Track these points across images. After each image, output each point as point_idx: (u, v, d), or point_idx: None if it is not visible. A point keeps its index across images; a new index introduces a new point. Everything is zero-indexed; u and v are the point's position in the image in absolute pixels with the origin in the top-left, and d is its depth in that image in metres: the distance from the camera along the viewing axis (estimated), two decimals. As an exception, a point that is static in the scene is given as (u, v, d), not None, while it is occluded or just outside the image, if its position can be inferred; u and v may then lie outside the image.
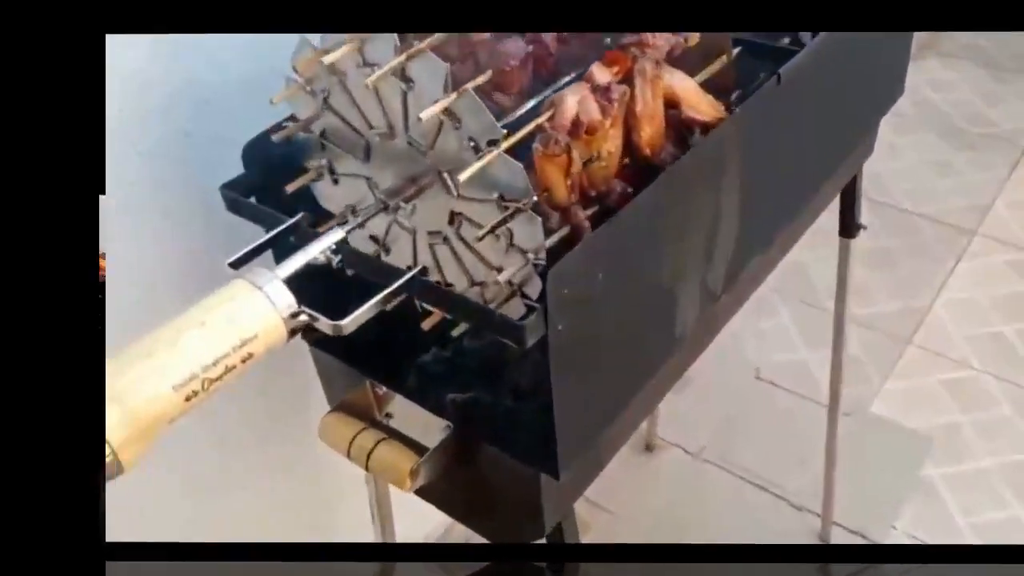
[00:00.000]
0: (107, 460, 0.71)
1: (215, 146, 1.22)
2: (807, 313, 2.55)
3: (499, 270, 0.89)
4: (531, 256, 0.87)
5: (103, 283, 1.06)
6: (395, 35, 0.89)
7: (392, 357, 1.12)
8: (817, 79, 1.16)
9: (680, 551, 1.38)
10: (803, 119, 1.19)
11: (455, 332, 1.06)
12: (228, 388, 0.78)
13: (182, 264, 1.24)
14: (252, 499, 1.51)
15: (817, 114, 1.23)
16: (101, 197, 1.08)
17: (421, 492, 1.11)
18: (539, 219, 0.85)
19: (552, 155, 0.89)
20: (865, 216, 1.65)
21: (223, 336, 0.77)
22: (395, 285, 0.86)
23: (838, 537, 2.04)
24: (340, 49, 0.92)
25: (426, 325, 0.95)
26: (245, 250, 0.91)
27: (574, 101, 0.94)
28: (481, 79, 0.92)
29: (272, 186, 1.02)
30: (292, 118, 1.00)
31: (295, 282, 0.83)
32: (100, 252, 0.94)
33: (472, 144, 0.87)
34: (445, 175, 0.91)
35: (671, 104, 1.01)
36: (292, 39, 1.23)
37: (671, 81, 1.02)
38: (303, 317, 0.81)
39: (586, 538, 1.80)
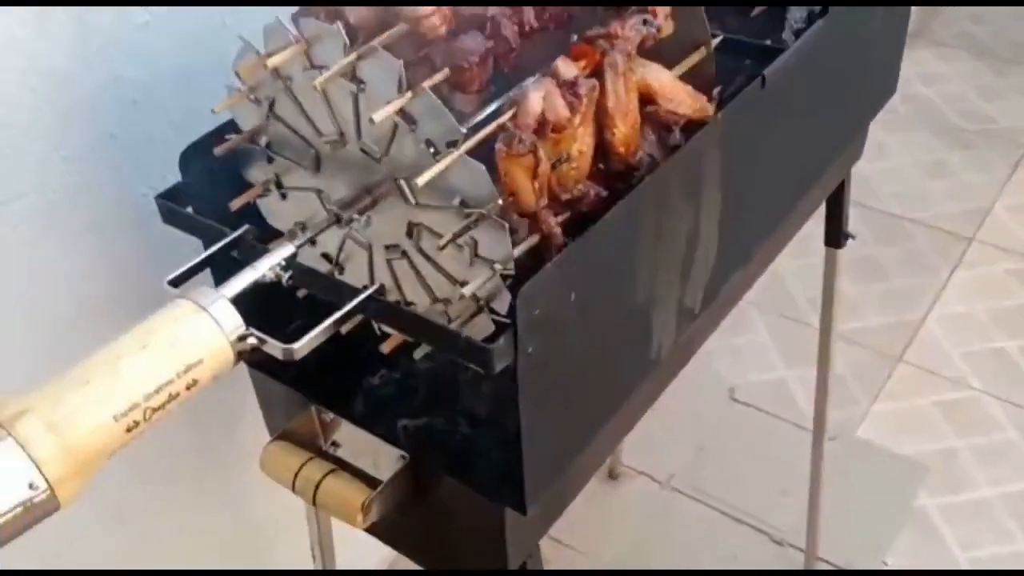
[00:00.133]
0: (43, 496, 0.74)
1: (144, 149, 1.25)
2: (786, 327, 2.62)
3: (463, 284, 0.93)
4: (498, 267, 0.90)
5: None
6: (344, 34, 0.93)
7: (339, 379, 1.16)
8: (803, 80, 1.22)
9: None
10: (788, 123, 1.24)
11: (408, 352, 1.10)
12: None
13: (110, 279, 1.27)
14: (180, 533, 1.53)
15: (803, 117, 1.29)
16: None
17: (370, 528, 1.14)
18: (506, 225, 0.89)
19: (517, 155, 0.92)
20: (852, 223, 1.71)
21: (166, 361, 0.80)
22: (349, 306, 0.90)
23: (823, 574, 2.10)
24: (285, 51, 0.96)
25: (386, 348, 0.98)
26: (186, 267, 0.94)
27: (538, 98, 0.97)
28: (438, 77, 0.96)
29: (212, 195, 1.05)
30: (233, 123, 1.04)
31: (240, 301, 0.86)
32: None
33: (430, 147, 0.91)
34: (401, 182, 0.95)
35: (646, 99, 1.05)
36: (226, 31, 1.29)
37: (645, 74, 1.06)
38: (251, 340, 0.85)
39: (548, 578, 1.84)
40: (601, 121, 1.02)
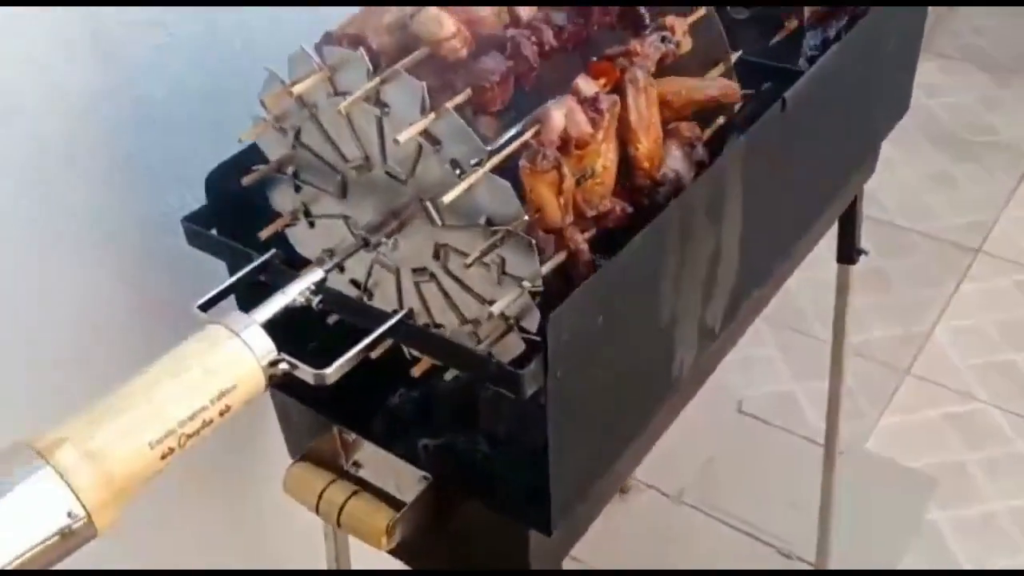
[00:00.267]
0: (81, 524, 0.74)
1: (162, 169, 1.26)
2: (794, 340, 2.62)
3: (491, 303, 0.92)
4: (526, 284, 0.91)
5: None
6: (367, 59, 0.94)
7: (362, 400, 1.17)
8: (821, 101, 1.23)
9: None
10: (806, 143, 1.25)
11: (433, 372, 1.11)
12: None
13: (128, 299, 1.27)
14: (193, 552, 1.53)
15: (820, 137, 1.30)
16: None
17: (392, 548, 1.15)
18: (533, 241, 0.89)
19: (541, 171, 0.93)
20: (857, 235, 1.71)
21: (200, 388, 0.81)
22: (379, 331, 0.91)
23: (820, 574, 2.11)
24: (309, 79, 0.97)
25: (416, 371, 0.99)
26: (214, 291, 0.95)
27: (560, 115, 0.98)
28: (460, 98, 0.97)
29: (237, 217, 1.06)
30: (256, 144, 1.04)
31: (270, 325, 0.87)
32: None
33: (455, 167, 0.92)
34: (427, 204, 0.96)
35: (668, 107, 1.07)
36: (244, 52, 1.30)
37: (665, 88, 1.08)
38: (283, 365, 0.86)
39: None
40: (624, 137, 1.03)
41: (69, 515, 0.74)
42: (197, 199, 1.29)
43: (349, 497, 1.11)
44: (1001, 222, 2.99)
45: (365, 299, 1.06)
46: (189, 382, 0.81)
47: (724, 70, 1.14)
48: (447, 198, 0.89)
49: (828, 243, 1.69)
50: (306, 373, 0.86)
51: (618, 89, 1.04)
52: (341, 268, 0.99)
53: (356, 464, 1.18)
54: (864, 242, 1.72)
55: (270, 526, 1.64)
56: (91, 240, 1.22)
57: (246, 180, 1.03)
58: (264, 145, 1.04)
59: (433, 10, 1.01)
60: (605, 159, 1.00)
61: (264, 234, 1.04)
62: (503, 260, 0.92)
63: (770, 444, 2.41)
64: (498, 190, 0.90)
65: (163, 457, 0.79)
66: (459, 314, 0.98)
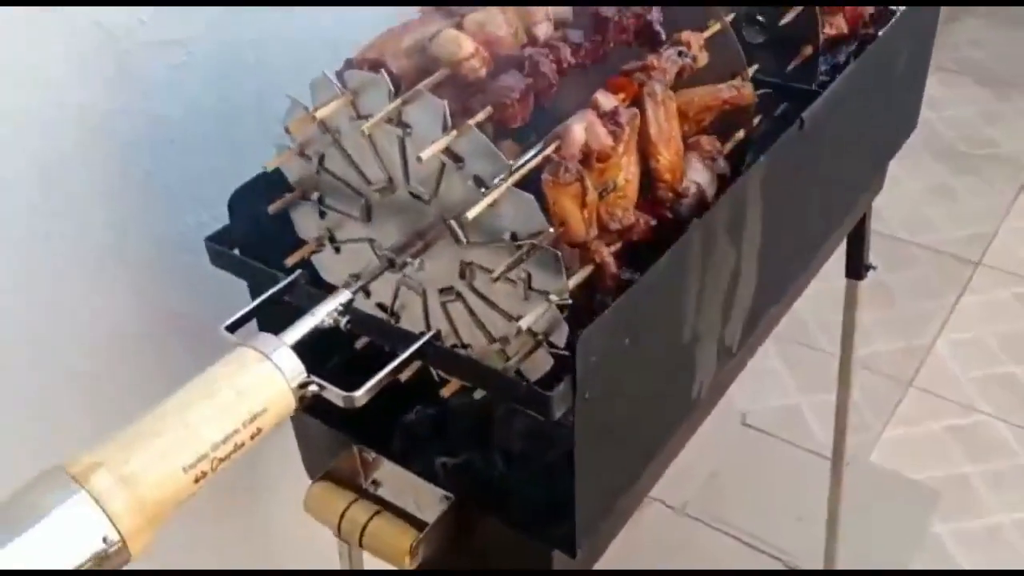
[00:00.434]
0: (116, 548, 0.74)
1: (180, 188, 1.26)
2: (798, 353, 2.63)
3: (518, 319, 0.92)
4: (554, 298, 0.91)
5: None
6: (388, 81, 0.95)
7: (382, 419, 1.16)
8: (836, 121, 1.23)
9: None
10: (822, 162, 1.26)
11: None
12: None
13: (144, 315, 1.27)
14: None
15: (835, 156, 1.30)
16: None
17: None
18: (558, 254, 0.89)
19: (564, 184, 0.93)
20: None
21: (232, 411, 0.80)
22: (407, 353, 0.91)
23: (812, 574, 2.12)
24: (332, 103, 0.97)
25: (446, 392, 0.99)
26: (240, 313, 0.94)
27: (581, 129, 0.98)
28: (481, 116, 0.97)
29: (259, 236, 1.06)
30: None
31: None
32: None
33: (478, 184, 0.92)
34: (451, 222, 0.96)
35: (684, 116, 1.08)
36: (261, 70, 1.30)
37: (679, 99, 1.08)
38: (312, 387, 0.85)
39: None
40: (645, 150, 1.03)
41: (104, 540, 0.74)
42: (214, 217, 1.29)
43: (371, 517, 1.10)
44: (1001, 234, 3.01)
45: (392, 323, 1.05)
46: (221, 405, 0.80)
47: (742, 83, 1.15)
48: (471, 213, 0.89)
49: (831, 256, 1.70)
50: (335, 395, 0.86)
51: (637, 103, 1.05)
52: (367, 293, 0.99)
53: (375, 483, 1.18)
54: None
55: (282, 543, 1.64)
56: (107, 257, 1.22)
57: (272, 208, 1.03)
58: (288, 172, 1.04)
59: (451, 32, 1.02)
60: (627, 172, 1.00)
61: (290, 261, 1.04)
62: (529, 275, 0.92)
63: (775, 457, 2.41)
64: (522, 204, 0.90)
65: (196, 481, 0.79)
66: (486, 333, 0.98)
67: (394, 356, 0.91)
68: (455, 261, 0.98)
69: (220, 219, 1.27)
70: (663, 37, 1.11)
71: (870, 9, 1.36)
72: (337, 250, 1.06)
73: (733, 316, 1.15)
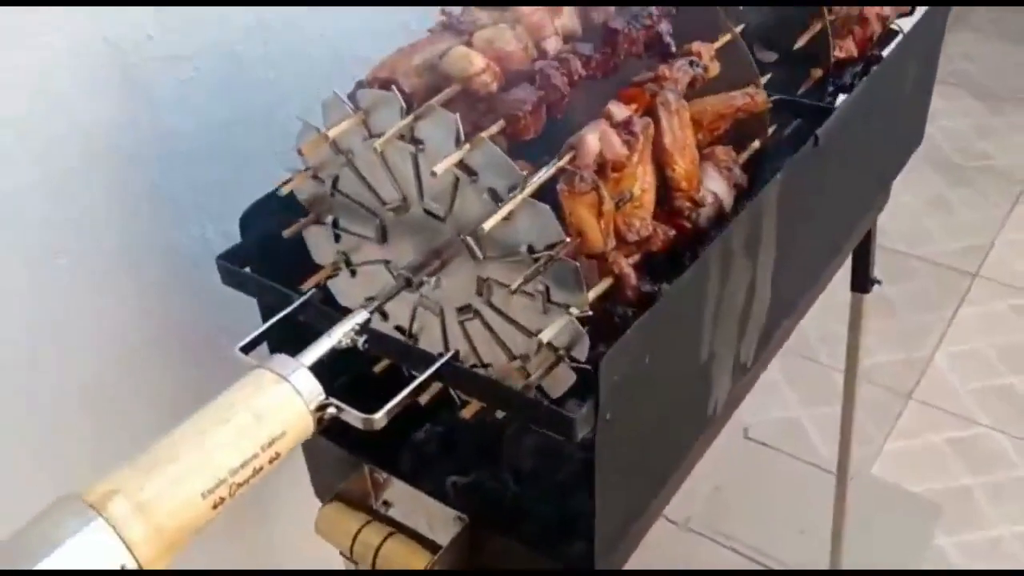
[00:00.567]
0: (134, 577, 0.72)
1: (187, 201, 1.24)
2: (799, 366, 2.61)
3: (538, 334, 0.90)
4: (574, 311, 0.88)
5: None
6: (400, 97, 0.93)
7: (393, 439, 1.14)
8: (848, 137, 1.22)
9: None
10: (833, 178, 1.25)
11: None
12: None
13: (153, 328, 1.26)
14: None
15: (846, 172, 1.29)
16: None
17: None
18: (576, 265, 0.87)
19: (580, 193, 0.91)
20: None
21: (251, 435, 0.78)
22: (425, 375, 0.89)
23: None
24: (345, 122, 0.96)
25: (467, 413, 0.97)
26: (255, 333, 0.92)
27: (595, 139, 0.97)
28: (493, 129, 0.95)
29: (270, 254, 1.04)
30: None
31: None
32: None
33: (493, 198, 0.90)
34: (467, 238, 0.94)
35: (697, 124, 1.07)
36: (269, 84, 1.28)
37: (692, 109, 1.07)
38: (331, 410, 0.83)
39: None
40: (660, 160, 1.02)
41: (122, 569, 0.72)
42: (219, 232, 1.28)
43: (384, 539, 1.09)
44: (997, 246, 3.00)
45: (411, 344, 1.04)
46: (239, 429, 0.78)
47: (755, 90, 1.13)
48: (487, 225, 0.87)
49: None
50: (354, 418, 0.84)
51: (650, 113, 1.03)
52: (385, 315, 0.97)
53: (386, 503, 1.16)
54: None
55: (290, 562, 1.62)
56: (114, 271, 1.20)
57: (286, 233, 1.02)
58: (302, 195, 1.03)
59: (462, 48, 1.01)
60: (643, 182, 0.99)
61: (306, 286, 1.02)
62: (547, 288, 0.90)
63: (777, 470, 2.39)
64: (538, 215, 0.88)
65: (215, 507, 0.77)
66: (506, 350, 0.96)
67: (410, 377, 0.89)
68: (472, 278, 0.96)
69: (226, 234, 1.26)
70: (673, 48, 1.09)
71: (878, 30, 1.35)
72: (353, 274, 1.05)
73: (748, 332, 1.14)
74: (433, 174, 0.89)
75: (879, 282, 1.71)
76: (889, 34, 1.38)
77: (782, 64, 1.27)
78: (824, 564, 2.05)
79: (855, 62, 1.35)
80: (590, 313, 0.89)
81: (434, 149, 0.92)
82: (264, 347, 0.95)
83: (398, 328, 1.03)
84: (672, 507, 2.26)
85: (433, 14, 1.09)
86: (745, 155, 1.11)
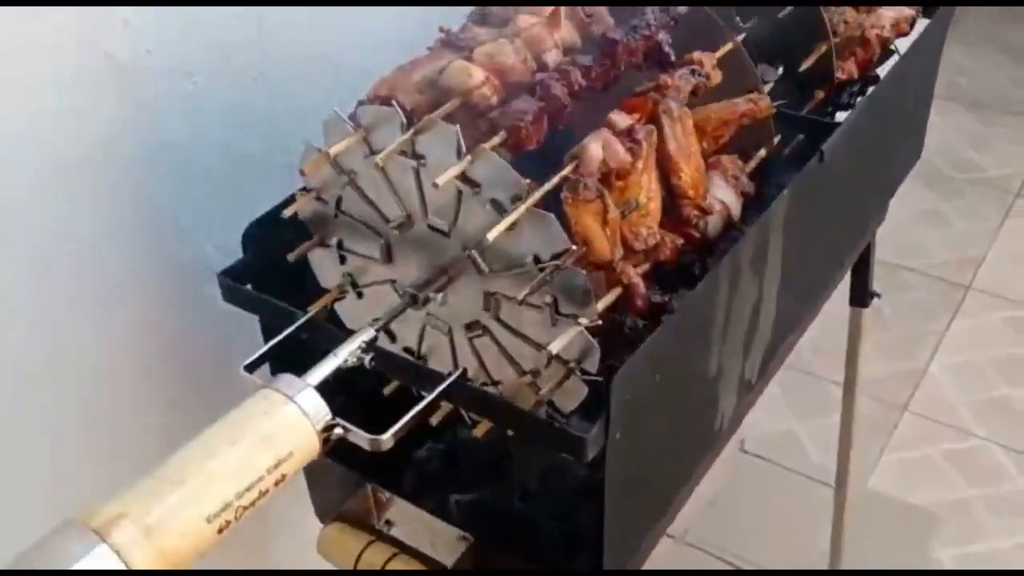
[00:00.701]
0: (138, 602, 0.70)
1: (185, 216, 1.23)
2: (794, 379, 2.59)
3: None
4: (584, 321, 0.87)
5: None
6: (400, 112, 0.92)
7: (396, 457, 1.12)
8: (852, 153, 1.22)
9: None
10: (837, 193, 1.24)
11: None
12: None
13: (149, 345, 1.24)
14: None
15: (848, 187, 1.28)
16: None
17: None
18: (583, 273, 0.86)
19: (584, 200, 0.90)
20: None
21: (257, 457, 0.77)
22: (433, 395, 0.87)
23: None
24: (346, 140, 0.95)
25: (478, 432, 0.95)
26: (259, 352, 0.91)
27: (598, 147, 0.96)
28: (495, 140, 0.94)
29: (272, 271, 1.03)
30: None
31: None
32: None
33: (497, 209, 0.89)
34: (472, 252, 0.93)
35: (701, 131, 1.06)
36: (270, 99, 1.27)
37: (695, 116, 1.06)
38: (337, 430, 0.82)
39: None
40: (665, 168, 1.01)
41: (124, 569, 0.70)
42: (217, 247, 1.26)
43: (388, 559, 1.07)
44: (990, 258, 3.00)
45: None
46: (245, 451, 0.77)
47: (758, 96, 1.13)
48: (491, 235, 0.86)
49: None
50: (361, 439, 0.83)
51: (653, 121, 1.02)
52: (393, 337, 0.95)
53: (388, 522, 1.15)
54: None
55: None
56: (110, 286, 1.19)
57: (291, 256, 1.01)
58: (304, 213, 1.01)
59: (461, 62, 1.00)
60: (648, 190, 0.98)
61: (314, 307, 1.01)
62: (555, 300, 0.89)
63: (773, 483, 2.38)
64: (542, 224, 0.87)
65: (220, 531, 0.75)
66: (516, 366, 0.95)
67: (419, 396, 0.88)
68: (479, 293, 0.95)
69: (224, 248, 1.24)
70: (673, 58, 1.08)
71: (878, 52, 1.36)
72: (359, 295, 1.03)
73: (754, 348, 1.13)
74: (435, 186, 0.88)
75: (878, 295, 1.70)
76: (887, 55, 1.38)
77: (785, 84, 1.26)
78: (823, 577, 2.04)
79: (855, 83, 1.35)
80: (599, 323, 0.87)
81: (436, 163, 0.91)
82: (265, 364, 0.94)
83: (407, 350, 1.02)
84: (669, 521, 2.27)
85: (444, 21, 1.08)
86: (752, 164, 1.10)
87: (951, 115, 3.60)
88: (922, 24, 1.42)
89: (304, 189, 1.02)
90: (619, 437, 0.87)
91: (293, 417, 0.79)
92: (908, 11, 1.40)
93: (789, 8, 1.23)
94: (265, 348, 0.92)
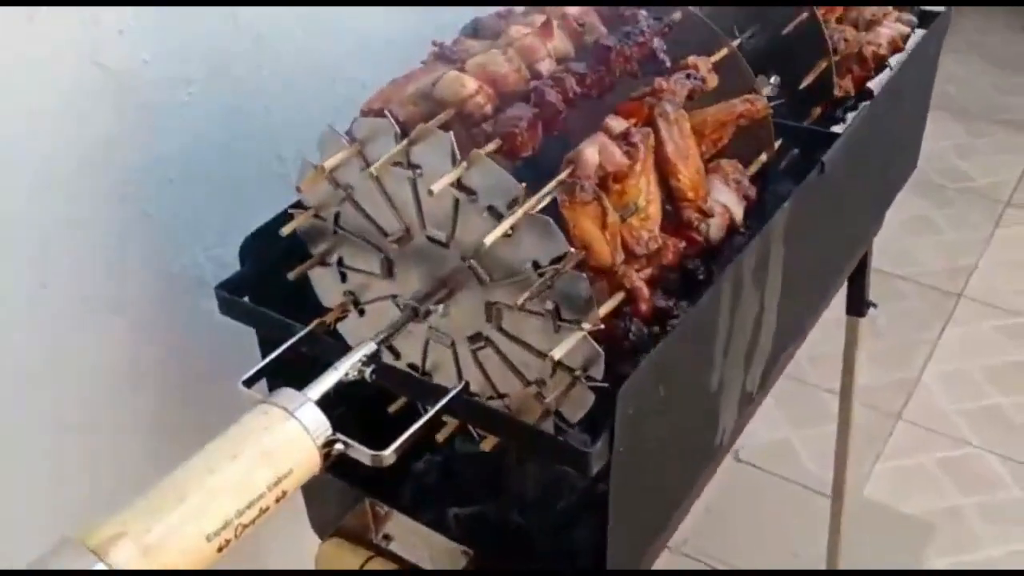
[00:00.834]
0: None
1: (178, 227, 1.21)
2: (789, 387, 2.58)
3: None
4: (586, 326, 0.85)
5: None
6: (394, 123, 0.91)
7: (392, 470, 1.11)
8: (850, 164, 1.21)
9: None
10: (836, 204, 1.23)
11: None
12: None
13: (142, 358, 1.22)
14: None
15: (848, 198, 1.28)
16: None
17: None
18: (583, 276, 0.85)
19: (581, 203, 0.89)
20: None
21: (258, 474, 0.75)
22: (434, 410, 0.86)
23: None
24: (341, 153, 0.94)
25: (486, 446, 0.93)
26: (259, 366, 0.89)
27: (594, 151, 0.95)
28: (490, 147, 0.93)
29: (270, 282, 1.01)
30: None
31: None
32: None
33: (494, 215, 0.87)
34: (472, 262, 0.91)
35: (699, 133, 1.05)
36: (266, 111, 1.25)
37: (692, 120, 1.05)
38: (338, 446, 0.80)
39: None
40: (664, 171, 1.00)
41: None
42: (212, 258, 1.24)
43: None
44: (981, 267, 2.99)
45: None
46: (246, 468, 0.75)
47: (755, 96, 1.11)
48: (488, 240, 0.85)
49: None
50: (362, 454, 0.81)
51: (649, 125, 1.01)
52: (397, 354, 0.94)
53: (387, 537, 1.13)
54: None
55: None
56: (103, 299, 1.17)
57: (291, 275, 1.00)
58: (305, 235, 1.00)
59: (453, 72, 0.99)
60: (647, 193, 0.97)
61: (314, 324, 0.98)
62: (557, 307, 0.87)
63: (769, 492, 2.36)
64: (539, 228, 0.86)
65: (219, 550, 0.73)
66: (521, 376, 0.93)
67: (424, 411, 0.86)
68: (480, 303, 0.93)
69: (218, 259, 1.23)
70: (668, 64, 1.07)
71: (873, 69, 1.36)
72: (361, 313, 1.02)
73: (755, 361, 1.11)
74: (430, 193, 0.86)
75: (875, 305, 1.69)
76: (880, 69, 1.38)
77: (782, 100, 1.26)
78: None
79: (850, 99, 1.36)
80: (602, 327, 0.86)
81: (431, 172, 0.90)
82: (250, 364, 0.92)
83: (411, 366, 1.00)
84: (665, 531, 2.26)
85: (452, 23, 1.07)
86: (753, 168, 1.09)
87: (940, 124, 3.59)
88: (918, 34, 1.42)
89: (298, 204, 1.00)
90: (623, 451, 0.85)
91: (294, 433, 0.78)
92: (904, 28, 1.40)
93: (792, 24, 1.22)
94: (264, 362, 0.90)
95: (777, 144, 1.12)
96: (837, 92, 1.29)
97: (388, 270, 0.97)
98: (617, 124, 0.99)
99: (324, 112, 1.33)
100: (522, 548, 1.09)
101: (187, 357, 1.29)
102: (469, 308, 0.93)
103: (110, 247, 1.15)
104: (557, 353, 0.84)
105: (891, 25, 1.39)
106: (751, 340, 1.08)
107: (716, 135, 1.09)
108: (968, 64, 3.89)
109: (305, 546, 1.17)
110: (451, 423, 0.95)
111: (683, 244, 1.00)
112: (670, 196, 1.01)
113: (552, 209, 0.89)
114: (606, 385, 0.85)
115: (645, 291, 0.92)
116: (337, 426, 0.80)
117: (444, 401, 0.86)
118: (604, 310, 0.87)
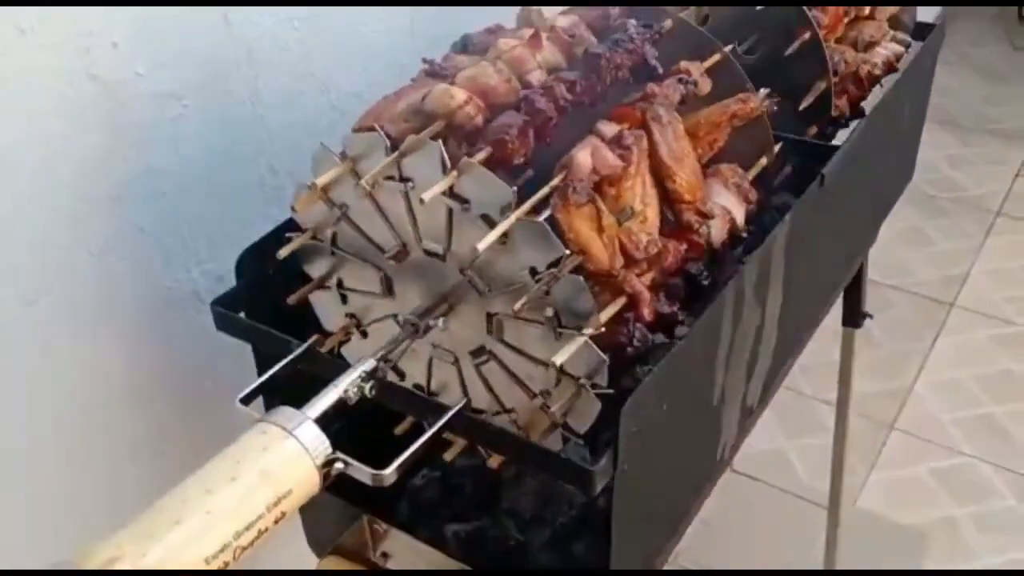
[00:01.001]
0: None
1: (172, 242, 1.19)
2: (784, 398, 2.57)
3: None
4: (588, 331, 0.84)
5: None
6: (385, 137, 0.90)
7: (395, 490, 1.09)
8: (849, 176, 1.20)
9: None
10: (835, 217, 1.22)
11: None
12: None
13: (135, 373, 1.20)
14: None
15: (846, 210, 1.27)
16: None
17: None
18: (581, 279, 0.83)
19: (576, 205, 0.87)
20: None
21: (257, 494, 0.74)
22: (436, 427, 0.84)
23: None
24: (333, 170, 0.93)
25: (494, 463, 0.92)
26: (255, 384, 0.87)
27: (586, 155, 0.93)
28: (480, 155, 0.91)
29: (266, 298, 0.99)
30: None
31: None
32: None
33: (487, 222, 0.86)
34: (470, 272, 0.90)
35: (692, 132, 1.04)
36: (258, 124, 1.24)
37: (685, 123, 1.04)
38: (338, 464, 0.79)
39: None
40: (659, 174, 0.99)
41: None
42: (205, 273, 1.23)
43: (387, 592, 1.03)
44: (973, 276, 2.99)
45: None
46: (244, 489, 0.73)
47: (748, 95, 1.10)
48: (481, 245, 0.83)
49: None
50: (363, 473, 0.79)
51: (643, 129, 1.00)
52: (402, 375, 0.92)
53: (385, 555, 1.11)
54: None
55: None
56: (96, 315, 1.15)
57: (292, 299, 0.98)
58: (304, 259, 0.99)
59: (442, 85, 0.98)
60: (644, 196, 0.95)
61: (311, 340, 0.97)
62: (557, 314, 0.86)
63: (764, 502, 2.35)
64: (533, 231, 0.84)
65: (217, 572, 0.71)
66: (526, 388, 0.92)
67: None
68: (481, 316, 0.92)
69: (211, 274, 1.21)
70: (660, 71, 1.06)
71: (868, 90, 1.36)
72: (364, 335, 1.00)
73: (755, 374, 1.10)
74: (421, 202, 0.85)
75: (870, 316, 1.68)
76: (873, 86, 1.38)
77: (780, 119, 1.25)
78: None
79: (844, 119, 1.35)
80: (603, 330, 0.84)
81: (423, 183, 0.89)
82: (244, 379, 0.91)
83: (416, 387, 0.98)
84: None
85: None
86: (753, 172, 1.07)
87: (931, 134, 3.58)
88: (912, 49, 1.42)
89: (291, 221, 0.99)
90: (627, 468, 0.84)
91: (293, 452, 0.76)
92: (899, 48, 1.40)
93: (795, 45, 1.21)
94: (261, 380, 0.89)
95: (778, 147, 1.10)
96: (833, 112, 1.28)
97: (388, 288, 0.96)
98: (609, 129, 0.98)
99: (319, 126, 1.32)
100: (522, 565, 1.07)
101: (181, 372, 1.27)
102: (470, 321, 0.92)
103: (102, 261, 1.13)
104: (559, 359, 0.83)
105: (888, 46, 1.38)
106: (752, 354, 1.07)
107: (711, 137, 1.07)
108: (959, 76, 3.90)
109: (303, 565, 1.15)
110: (459, 442, 0.93)
111: (684, 247, 0.98)
112: (668, 200, 0.99)
113: (548, 218, 0.87)
114: (612, 392, 0.83)
115: (646, 295, 0.91)
116: (335, 441, 0.78)
117: (445, 419, 0.85)
118: (605, 315, 0.86)
